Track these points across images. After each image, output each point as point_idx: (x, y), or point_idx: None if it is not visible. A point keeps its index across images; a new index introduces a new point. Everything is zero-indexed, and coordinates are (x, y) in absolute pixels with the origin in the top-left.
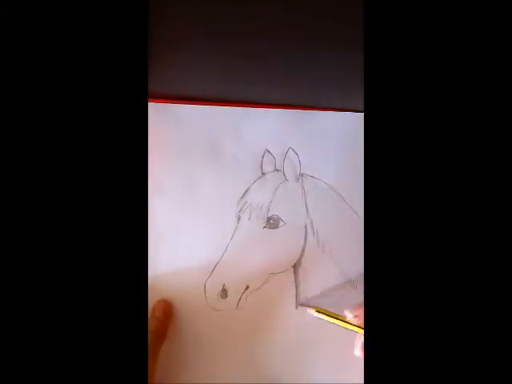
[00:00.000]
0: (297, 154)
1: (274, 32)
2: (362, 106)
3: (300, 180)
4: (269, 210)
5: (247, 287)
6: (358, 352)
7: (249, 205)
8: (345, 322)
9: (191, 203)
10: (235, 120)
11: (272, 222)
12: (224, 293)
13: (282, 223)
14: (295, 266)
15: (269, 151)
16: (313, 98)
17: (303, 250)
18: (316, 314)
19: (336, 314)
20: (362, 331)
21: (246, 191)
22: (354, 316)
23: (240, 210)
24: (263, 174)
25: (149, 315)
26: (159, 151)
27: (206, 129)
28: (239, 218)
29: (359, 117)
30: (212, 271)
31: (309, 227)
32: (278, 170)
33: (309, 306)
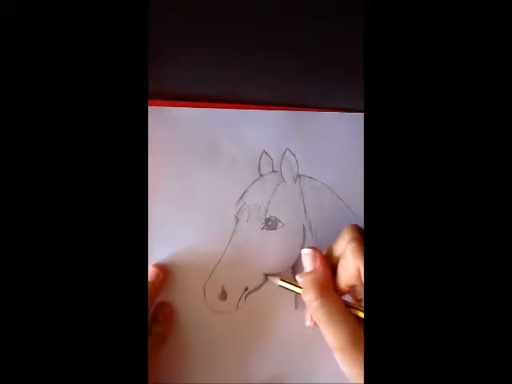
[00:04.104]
0: (294, 155)
1: (274, 32)
2: (361, 106)
3: (298, 181)
4: (267, 211)
5: (246, 288)
6: (309, 322)
7: (247, 206)
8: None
9: (189, 205)
10: (233, 122)
11: (270, 224)
12: (223, 294)
13: (280, 224)
14: (294, 267)
15: (266, 152)
16: (313, 97)
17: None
18: (280, 283)
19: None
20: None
21: (244, 193)
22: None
23: (238, 211)
24: (261, 175)
25: (149, 318)
26: (157, 153)
27: (204, 131)
28: (237, 220)
29: (357, 117)
30: (211, 273)
31: (307, 228)
32: (275, 172)
33: (274, 276)
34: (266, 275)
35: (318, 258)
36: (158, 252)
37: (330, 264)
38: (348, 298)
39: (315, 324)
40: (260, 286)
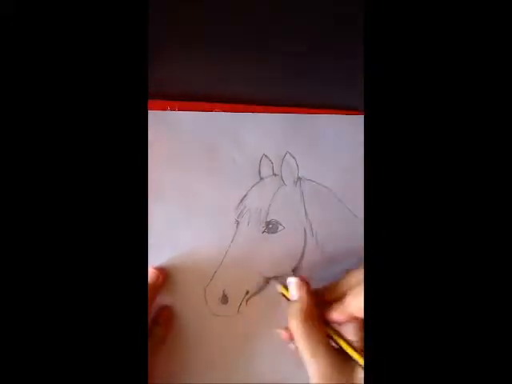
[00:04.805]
0: (294, 157)
1: (273, 32)
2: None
3: (298, 184)
4: (268, 214)
5: (247, 292)
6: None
7: (247, 210)
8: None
9: (190, 209)
10: (233, 125)
11: (271, 227)
12: (224, 298)
13: (281, 227)
14: (295, 270)
15: (266, 156)
16: (313, 96)
17: (303, 254)
18: (282, 291)
19: None
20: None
21: (245, 196)
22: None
23: (239, 215)
24: (261, 178)
25: (150, 321)
26: (158, 157)
27: (205, 134)
28: (238, 223)
29: (357, 119)
30: (212, 277)
31: (308, 231)
32: (275, 175)
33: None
34: (269, 279)
35: (302, 288)
36: (160, 255)
37: (327, 296)
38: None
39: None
40: (261, 290)
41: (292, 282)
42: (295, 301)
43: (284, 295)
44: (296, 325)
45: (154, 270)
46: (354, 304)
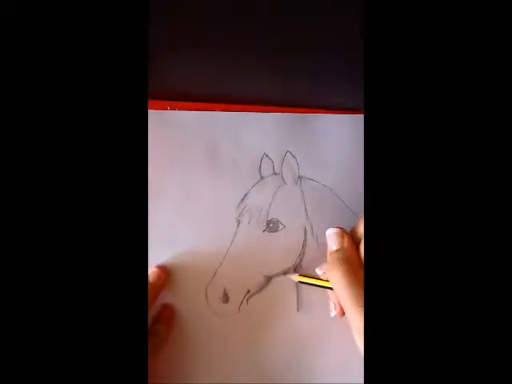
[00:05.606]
0: (295, 157)
1: (273, 32)
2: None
3: (299, 183)
4: (268, 213)
5: (248, 291)
6: (333, 313)
7: (248, 209)
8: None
9: (191, 208)
10: (233, 124)
11: (272, 226)
12: (225, 297)
13: (281, 226)
14: (296, 269)
15: (267, 155)
16: (313, 96)
17: (303, 253)
18: (300, 279)
19: (317, 276)
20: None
21: (246, 195)
22: (323, 273)
23: (240, 214)
24: (262, 177)
25: (151, 320)
26: (158, 156)
27: (205, 134)
28: (239, 222)
29: (357, 119)
30: (213, 276)
31: (308, 230)
32: (276, 174)
33: (291, 274)
34: (270, 278)
35: (345, 237)
36: (160, 254)
37: (355, 243)
38: None
39: (343, 313)
40: (262, 289)
41: (333, 232)
42: (337, 250)
43: (304, 282)
44: (340, 274)
45: (156, 269)
46: None
